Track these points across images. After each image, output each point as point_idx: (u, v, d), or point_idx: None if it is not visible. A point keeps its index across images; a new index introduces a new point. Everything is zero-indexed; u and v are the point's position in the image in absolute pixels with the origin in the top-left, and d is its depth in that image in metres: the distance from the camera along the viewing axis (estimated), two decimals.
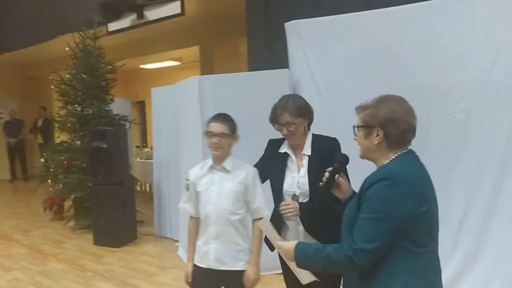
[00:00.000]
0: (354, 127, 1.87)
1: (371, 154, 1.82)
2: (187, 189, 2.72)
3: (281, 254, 1.99)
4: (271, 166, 2.68)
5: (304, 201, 2.54)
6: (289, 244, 1.88)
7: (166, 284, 4.75)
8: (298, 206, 2.50)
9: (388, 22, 3.99)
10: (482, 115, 3.52)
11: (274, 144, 2.72)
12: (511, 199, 3.41)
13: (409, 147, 1.83)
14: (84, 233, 6.64)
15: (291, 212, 2.50)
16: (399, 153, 1.78)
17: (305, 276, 2.16)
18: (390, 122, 1.75)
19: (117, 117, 7.07)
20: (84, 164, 6.58)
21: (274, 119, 2.58)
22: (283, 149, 2.65)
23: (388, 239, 1.64)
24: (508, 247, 3.42)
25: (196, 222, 2.71)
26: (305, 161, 2.58)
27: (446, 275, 1.90)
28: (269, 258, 2.68)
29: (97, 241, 6.12)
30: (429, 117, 3.60)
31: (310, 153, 2.58)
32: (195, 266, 2.67)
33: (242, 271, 2.61)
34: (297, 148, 2.62)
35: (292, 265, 2.19)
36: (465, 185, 3.61)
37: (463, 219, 3.62)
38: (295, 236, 2.55)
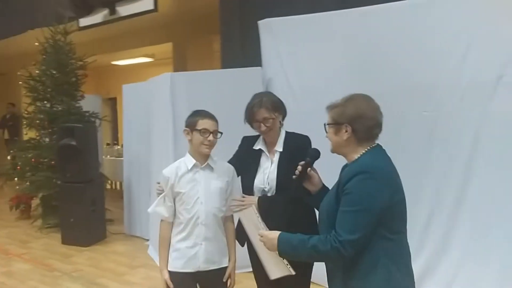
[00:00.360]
0: (324, 124, 1.99)
1: (342, 149, 1.94)
2: (160, 193, 2.58)
3: (263, 243, 2.02)
4: (244, 163, 2.67)
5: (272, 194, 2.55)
6: (273, 233, 1.97)
7: (135, 283, 4.68)
8: (255, 201, 2.49)
9: (361, 22, 4.01)
10: (450, 114, 3.56)
11: (248, 141, 2.72)
12: (477, 196, 3.46)
13: (377, 142, 1.94)
14: (52, 232, 6.48)
15: (239, 206, 2.50)
16: (368, 147, 1.90)
17: (279, 270, 2.18)
18: (357, 119, 1.87)
19: (87, 114, 6.94)
20: (53, 162, 6.44)
21: (251, 117, 2.57)
22: (258, 145, 2.65)
23: (369, 229, 1.76)
24: (473, 244, 3.48)
25: (170, 227, 2.57)
26: (276, 157, 2.59)
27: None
28: (239, 257, 2.66)
29: (65, 240, 5.99)
30: (400, 116, 3.63)
31: (281, 150, 2.59)
32: (174, 273, 2.52)
33: (224, 268, 2.59)
34: (270, 144, 2.63)
35: (266, 258, 2.19)
36: (433, 183, 3.65)
37: (431, 217, 3.67)
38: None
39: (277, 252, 1.95)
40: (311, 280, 2.65)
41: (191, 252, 2.51)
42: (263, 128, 2.55)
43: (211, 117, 2.54)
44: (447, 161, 3.59)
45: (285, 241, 1.91)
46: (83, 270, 5.07)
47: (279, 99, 2.65)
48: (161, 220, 2.60)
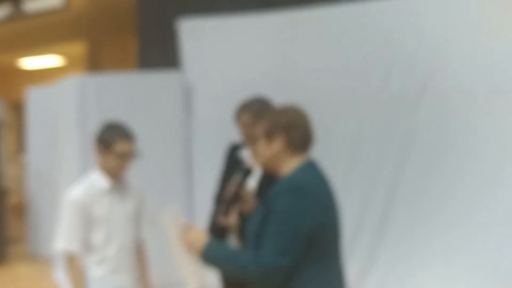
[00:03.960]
0: None
1: (274, 161, 1.83)
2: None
3: (187, 240, 1.80)
4: (227, 172, 2.50)
5: None
6: (201, 234, 1.80)
7: None
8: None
9: (287, 26, 4.01)
10: (376, 123, 3.67)
11: (233, 149, 2.55)
12: (403, 208, 3.57)
13: (309, 156, 1.86)
14: None
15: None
16: (301, 161, 1.80)
17: (194, 281, 1.96)
18: (291, 127, 1.79)
19: None
20: None
21: (236, 116, 2.47)
22: (242, 154, 2.51)
23: (298, 251, 1.67)
24: (399, 256, 3.56)
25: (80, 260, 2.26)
26: (259, 170, 2.40)
27: None
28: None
29: None
30: (326, 124, 3.61)
31: None
32: None
33: None
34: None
35: (185, 265, 1.93)
36: (359, 194, 3.70)
37: (357, 231, 3.68)
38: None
39: (196, 258, 1.78)
40: None
41: (116, 283, 2.32)
42: (244, 131, 2.42)
43: (130, 137, 2.30)
44: (373, 170, 3.68)
45: (213, 250, 1.76)
46: None
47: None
48: (72, 255, 2.26)
